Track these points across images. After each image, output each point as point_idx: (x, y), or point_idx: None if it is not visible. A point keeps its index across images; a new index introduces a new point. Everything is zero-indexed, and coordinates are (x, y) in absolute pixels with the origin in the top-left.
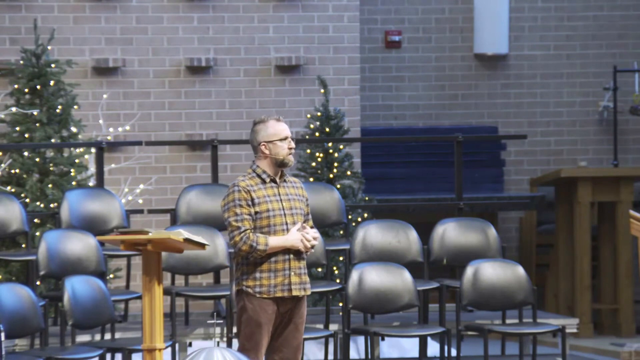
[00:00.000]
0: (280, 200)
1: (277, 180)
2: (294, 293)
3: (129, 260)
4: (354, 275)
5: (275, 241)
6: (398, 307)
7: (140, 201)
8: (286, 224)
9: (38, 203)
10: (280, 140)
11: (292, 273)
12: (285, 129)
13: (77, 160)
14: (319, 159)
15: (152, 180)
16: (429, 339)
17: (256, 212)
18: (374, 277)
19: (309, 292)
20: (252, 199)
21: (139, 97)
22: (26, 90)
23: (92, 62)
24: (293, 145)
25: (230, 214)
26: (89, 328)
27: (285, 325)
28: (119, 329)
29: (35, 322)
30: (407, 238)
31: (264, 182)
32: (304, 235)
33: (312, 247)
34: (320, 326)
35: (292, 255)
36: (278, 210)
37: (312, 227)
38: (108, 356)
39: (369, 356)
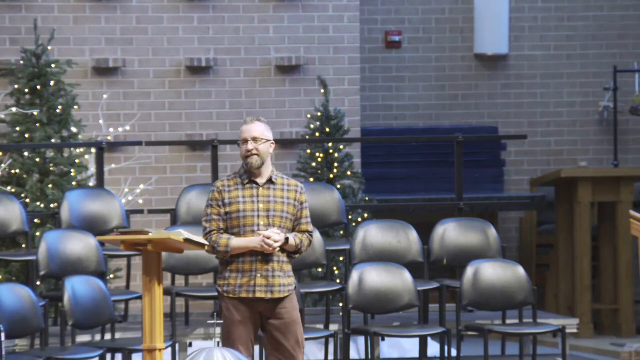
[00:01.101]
0: (257, 201)
1: (259, 181)
2: (257, 295)
3: (129, 260)
4: (354, 275)
5: (238, 242)
6: (398, 307)
7: (140, 201)
8: (257, 225)
9: (38, 203)
10: (242, 142)
11: (258, 275)
12: (247, 130)
13: (77, 160)
14: (319, 159)
15: (152, 180)
16: (429, 339)
17: (226, 212)
18: (374, 277)
19: (277, 295)
20: (223, 199)
21: (139, 97)
22: (26, 90)
23: (92, 62)
24: (250, 147)
25: (203, 214)
26: (89, 328)
27: (272, 326)
28: (119, 329)
29: (35, 322)
30: (407, 238)
31: (242, 182)
32: (264, 239)
33: (276, 248)
34: (320, 326)
35: (259, 257)
36: (250, 211)
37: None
38: (108, 356)
39: (369, 356)
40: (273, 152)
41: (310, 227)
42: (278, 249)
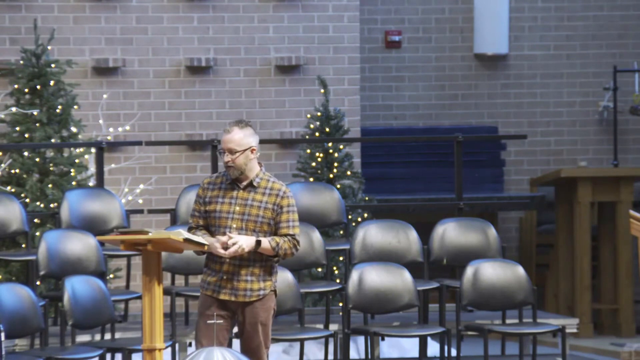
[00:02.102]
0: (235, 204)
1: (241, 183)
2: (221, 297)
3: (129, 260)
4: (354, 275)
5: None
6: (398, 307)
7: (140, 201)
8: (229, 228)
9: (38, 203)
10: (222, 151)
11: (225, 277)
12: (224, 141)
13: (77, 160)
14: (319, 159)
15: (152, 180)
16: (429, 339)
17: (206, 211)
18: (374, 277)
19: (241, 299)
20: (205, 197)
21: (139, 97)
22: (26, 90)
23: (92, 62)
24: (226, 159)
25: None
26: (89, 328)
27: (242, 328)
28: (119, 329)
29: (35, 322)
30: (407, 238)
31: (225, 182)
32: (213, 243)
33: (232, 254)
34: (320, 326)
35: (228, 260)
36: (226, 212)
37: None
38: (108, 356)
39: (369, 356)
40: (273, 152)
41: (292, 231)
42: (245, 251)
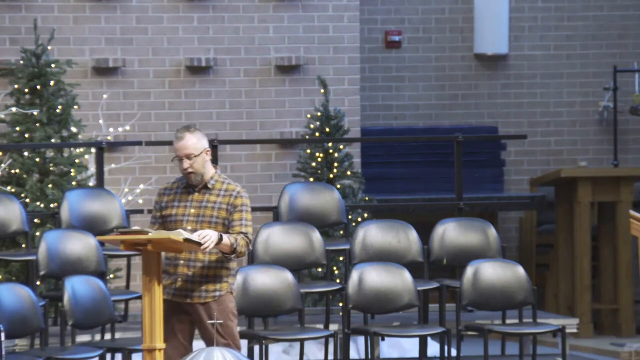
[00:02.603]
0: (189, 206)
1: (196, 187)
2: (175, 299)
3: (129, 260)
4: (354, 275)
5: None
6: (398, 307)
7: (140, 201)
8: (184, 230)
9: (38, 203)
10: (177, 159)
11: (180, 279)
12: (178, 148)
13: (77, 160)
14: (319, 159)
15: (152, 180)
16: (429, 339)
17: (162, 216)
18: (374, 277)
19: (197, 301)
20: (161, 203)
21: (139, 97)
22: (26, 90)
23: (92, 62)
24: (185, 166)
25: None
26: (89, 328)
27: (202, 330)
28: (119, 329)
29: (35, 322)
30: (407, 238)
31: (180, 187)
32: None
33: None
34: (320, 326)
35: (182, 262)
36: (181, 215)
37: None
38: (108, 356)
39: (369, 356)
40: (273, 152)
41: (245, 229)
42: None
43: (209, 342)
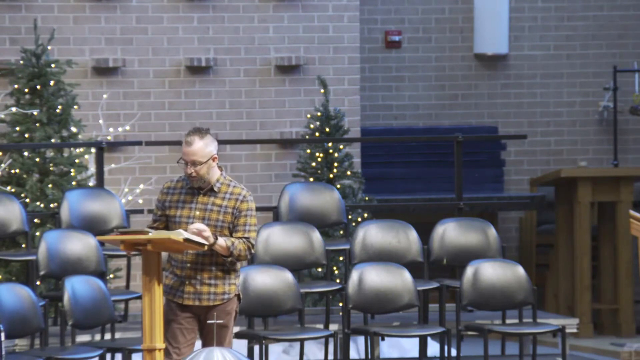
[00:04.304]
0: (195, 208)
1: (202, 189)
2: (185, 302)
3: (129, 260)
4: (354, 275)
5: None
6: (398, 307)
7: (140, 201)
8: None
9: (38, 203)
10: (183, 161)
11: (187, 282)
12: (185, 153)
13: (77, 160)
14: (319, 159)
15: (152, 180)
16: (429, 339)
17: (166, 215)
18: (374, 277)
19: (205, 304)
20: (164, 202)
21: (139, 97)
22: (26, 90)
23: (92, 62)
24: (189, 171)
25: None
26: (89, 328)
27: (204, 330)
28: (119, 329)
29: (35, 322)
30: (407, 238)
31: (185, 187)
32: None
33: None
34: (320, 326)
35: (189, 265)
36: (186, 217)
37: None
38: (108, 356)
39: (369, 356)
40: (273, 152)
41: (248, 234)
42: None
43: (208, 344)
